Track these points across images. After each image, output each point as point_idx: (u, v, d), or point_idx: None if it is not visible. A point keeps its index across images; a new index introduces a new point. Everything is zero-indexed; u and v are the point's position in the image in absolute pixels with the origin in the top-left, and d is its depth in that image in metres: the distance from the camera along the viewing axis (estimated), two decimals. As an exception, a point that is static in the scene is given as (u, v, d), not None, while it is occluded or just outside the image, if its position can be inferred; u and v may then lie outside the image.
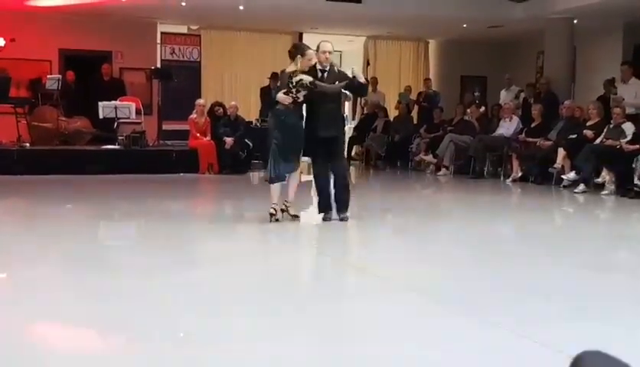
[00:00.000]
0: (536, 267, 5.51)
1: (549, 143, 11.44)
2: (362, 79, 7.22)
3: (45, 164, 11.78)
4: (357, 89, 7.39)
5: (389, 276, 4.99)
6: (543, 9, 13.44)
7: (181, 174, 12.25)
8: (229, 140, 12.64)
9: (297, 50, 7.11)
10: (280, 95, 6.86)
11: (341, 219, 7.13)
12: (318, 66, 7.05)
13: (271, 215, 6.98)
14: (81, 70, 14.54)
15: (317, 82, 6.86)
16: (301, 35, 17.01)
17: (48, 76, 13.70)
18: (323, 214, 7.25)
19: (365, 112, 16.54)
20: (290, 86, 6.83)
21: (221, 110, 13.33)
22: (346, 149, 15.66)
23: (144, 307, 4.12)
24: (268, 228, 6.98)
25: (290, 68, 6.97)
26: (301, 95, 6.85)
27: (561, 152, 10.89)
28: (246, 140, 13.01)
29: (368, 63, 17.69)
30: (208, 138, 12.76)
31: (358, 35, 17.47)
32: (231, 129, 12.88)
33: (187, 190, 11.06)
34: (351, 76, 7.11)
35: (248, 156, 13.10)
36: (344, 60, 19.05)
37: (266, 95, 14.91)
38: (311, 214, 7.66)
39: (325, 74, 7.05)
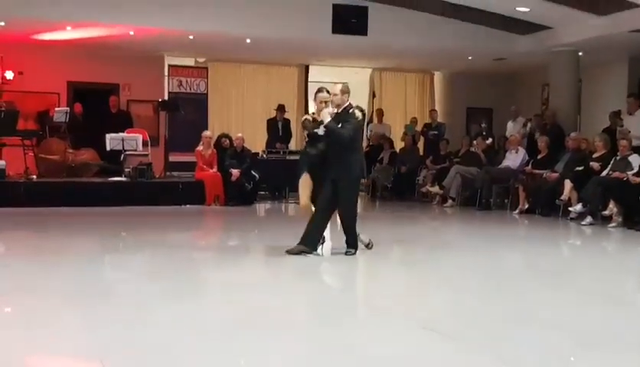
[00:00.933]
0: (543, 300, 5.48)
1: (555, 175, 11.43)
2: (321, 131, 7.06)
3: (52, 196, 11.78)
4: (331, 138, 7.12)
5: (396, 309, 4.96)
6: (548, 42, 13.50)
7: (186, 206, 12.25)
8: (235, 172, 12.67)
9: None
10: None
11: (346, 254, 7.13)
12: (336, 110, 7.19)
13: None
14: (89, 102, 14.64)
15: (304, 123, 7.21)
16: (307, 67, 17.16)
17: (56, 109, 13.80)
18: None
19: (370, 143, 16.54)
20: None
21: (228, 142, 13.37)
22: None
23: (147, 340, 4.10)
24: (273, 261, 6.97)
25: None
26: (305, 134, 7.27)
27: (568, 184, 10.87)
28: (253, 171, 13.03)
29: (374, 95, 17.78)
30: (214, 169, 12.79)
31: (364, 67, 17.57)
32: (237, 161, 12.91)
33: (193, 222, 11.05)
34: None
35: (254, 187, 13.10)
36: (351, 92, 19.13)
37: (273, 126, 15.02)
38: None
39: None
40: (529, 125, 14.01)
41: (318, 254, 7.04)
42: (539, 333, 4.41)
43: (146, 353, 3.88)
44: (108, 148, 12.83)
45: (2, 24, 12.58)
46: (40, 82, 14.55)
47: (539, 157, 12.24)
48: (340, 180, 7.06)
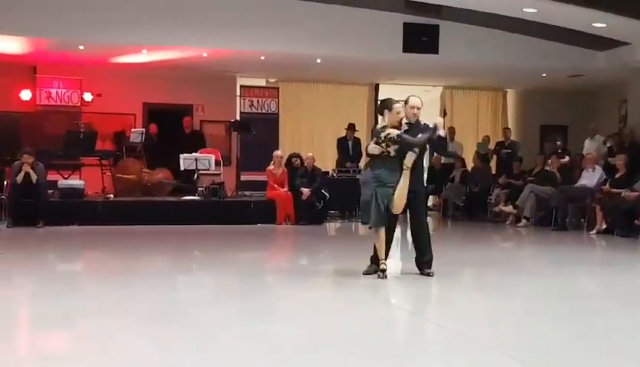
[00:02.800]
0: (622, 326, 5.27)
1: (635, 194, 11.05)
2: (442, 133, 6.99)
3: (128, 214, 12.08)
4: (436, 143, 7.10)
5: (470, 334, 4.85)
6: (627, 58, 13.12)
7: (258, 225, 12.36)
8: (306, 191, 12.72)
9: (384, 105, 7.02)
10: (370, 145, 6.89)
11: (427, 275, 6.99)
12: (404, 120, 7.00)
13: (382, 271, 6.80)
14: (163, 123, 14.97)
15: (402, 135, 6.77)
16: (377, 86, 17.13)
17: (132, 130, 14.16)
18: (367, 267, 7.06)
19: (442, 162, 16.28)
20: (380, 140, 6.80)
21: (298, 161, 13.46)
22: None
23: (218, 361, 4.11)
24: (344, 282, 6.94)
25: (380, 124, 6.95)
26: (392, 150, 6.76)
27: (648, 204, 10.50)
28: (323, 191, 13.06)
29: (445, 113, 17.59)
30: (285, 188, 12.87)
31: (435, 85, 17.44)
32: (308, 180, 12.96)
33: (264, 241, 11.12)
34: (432, 126, 6.96)
35: (324, 207, 13.12)
36: (421, 110, 18.99)
37: (343, 146, 15.03)
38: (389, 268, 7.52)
39: (407, 128, 6.93)
40: (608, 142, 13.61)
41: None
42: (615, 361, 4.24)
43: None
44: (182, 168, 13.09)
45: (81, 48, 13.02)
46: (117, 104, 14.96)
47: (617, 175, 11.86)
48: (415, 193, 6.95)
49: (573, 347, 4.61)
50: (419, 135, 6.86)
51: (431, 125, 6.99)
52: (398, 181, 6.76)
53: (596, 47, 13.54)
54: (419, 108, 7.03)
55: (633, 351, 4.53)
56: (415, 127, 6.98)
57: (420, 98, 7.20)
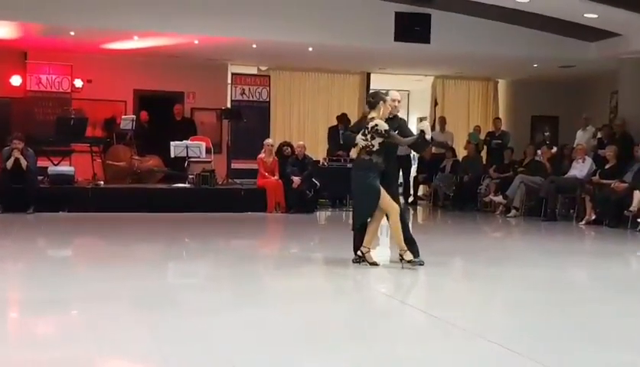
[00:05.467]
0: (610, 314, 5.32)
1: (624, 185, 11.12)
2: (429, 137, 6.94)
3: (118, 201, 12.06)
4: (420, 145, 7.25)
5: (458, 321, 4.88)
6: (617, 49, 13.16)
7: (248, 213, 12.36)
8: (296, 179, 12.73)
9: (379, 97, 6.89)
10: (359, 137, 6.82)
11: (420, 264, 6.97)
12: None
13: (358, 257, 6.94)
14: (154, 110, 14.92)
15: (390, 132, 6.71)
16: (369, 75, 17.11)
17: (123, 117, 14.12)
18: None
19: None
20: (366, 131, 6.75)
21: (289, 150, 13.46)
22: (412, 189, 15.67)
23: (208, 347, 4.13)
24: (334, 270, 6.96)
25: (371, 115, 6.84)
26: (375, 143, 6.70)
27: (637, 195, 10.57)
28: (314, 179, 13.07)
29: (436, 103, 17.61)
30: (276, 177, 12.88)
31: (426, 75, 17.44)
32: (299, 168, 12.98)
33: (255, 229, 11.14)
34: (418, 130, 6.96)
35: (315, 195, 13.14)
36: (412, 100, 19.04)
37: (334, 135, 15.03)
38: (378, 257, 7.55)
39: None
40: (599, 134, 13.66)
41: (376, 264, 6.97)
42: (605, 348, 4.28)
43: (209, 361, 3.91)
44: (172, 155, 13.05)
45: (72, 33, 12.94)
46: (108, 91, 14.89)
47: (607, 166, 11.92)
48: (394, 185, 7.08)
49: (560, 335, 4.65)
50: (396, 132, 6.85)
51: (419, 130, 6.94)
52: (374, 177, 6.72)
53: (588, 37, 13.57)
54: (399, 101, 7.15)
55: (621, 339, 4.58)
56: (394, 120, 7.03)
57: (398, 92, 7.36)
